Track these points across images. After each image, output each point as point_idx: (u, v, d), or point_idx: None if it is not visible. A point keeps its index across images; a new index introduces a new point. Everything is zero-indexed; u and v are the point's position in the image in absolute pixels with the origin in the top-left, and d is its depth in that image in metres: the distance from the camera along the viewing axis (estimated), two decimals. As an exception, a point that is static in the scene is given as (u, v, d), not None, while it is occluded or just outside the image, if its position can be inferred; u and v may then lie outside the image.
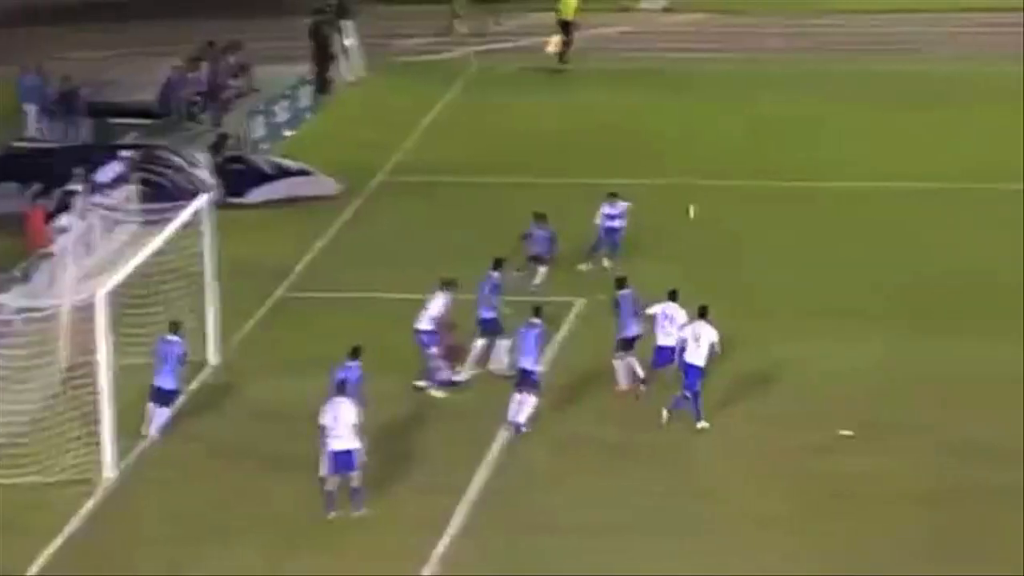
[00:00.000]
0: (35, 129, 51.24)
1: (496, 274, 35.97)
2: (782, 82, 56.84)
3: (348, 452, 30.03)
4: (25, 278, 37.32)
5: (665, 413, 33.24)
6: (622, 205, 41.97)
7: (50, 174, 45.04)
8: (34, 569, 28.91)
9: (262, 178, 47.23)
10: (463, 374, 35.27)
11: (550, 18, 64.31)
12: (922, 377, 35.08)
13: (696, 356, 33.09)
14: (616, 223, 41.91)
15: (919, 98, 54.14)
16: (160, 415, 33.59)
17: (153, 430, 33.45)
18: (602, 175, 47.22)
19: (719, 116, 53.46)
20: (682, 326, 33.95)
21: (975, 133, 50.85)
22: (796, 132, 51.10)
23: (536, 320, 33.59)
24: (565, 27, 60.15)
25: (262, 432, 33.58)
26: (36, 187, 45.10)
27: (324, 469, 30.19)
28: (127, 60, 56.69)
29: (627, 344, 34.85)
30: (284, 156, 49.48)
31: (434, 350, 34.86)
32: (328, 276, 41.22)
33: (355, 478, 30.14)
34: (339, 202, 46.45)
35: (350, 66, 58.79)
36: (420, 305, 35.13)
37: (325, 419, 30.11)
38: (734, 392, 34.49)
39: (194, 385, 35.42)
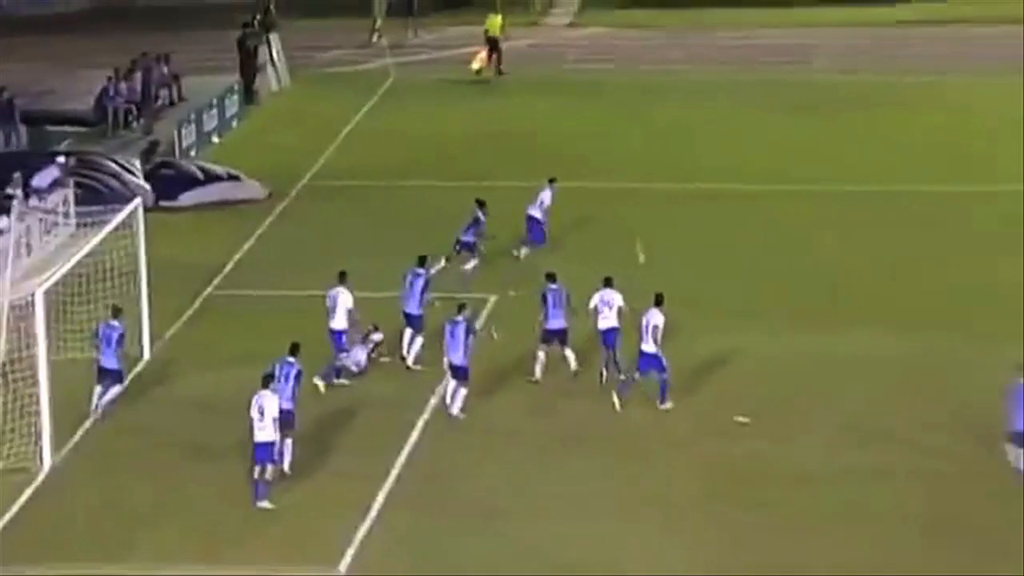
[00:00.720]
0: (-27, 137, 50.99)
1: (423, 270, 35.79)
2: (679, 91, 57.06)
3: (267, 444, 29.88)
4: (-35, 278, 37.13)
5: (663, 405, 33.40)
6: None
7: (-11, 179, 44.77)
8: (-25, 553, 28.85)
9: (192, 182, 47.10)
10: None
11: (465, 31, 64.65)
12: (813, 367, 35.23)
13: (647, 344, 33.22)
14: (538, 213, 42.18)
15: (807, 105, 54.40)
16: (110, 392, 33.64)
17: (100, 405, 33.49)
18: (514, 178, 47.43)
19: (624, 122, 53.62)
20: (619, 308, 34.39)
21: (857, 138, 51.20)
22: (695, 137, 51.25)
23: (459, 317, 33.43)
24: (492, 43, 60.09)
25: (192, 422, 33.46)
26: (-25, 192, 44.81)
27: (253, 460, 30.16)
28: (63, 71, 56.35)
29: (551, 335, 34.75)
30: (213, 162, 49.33)
31: (344, 354, 34.77)
32: (255, 275, 41.12)
33: (268, 471, 29.92)
34: (265, 205, 46.41)
35: (275, 76, 58.70)
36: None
37: (253, 411, 29.97)
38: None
39: (128, 378, 35.25)
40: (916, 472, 31.04)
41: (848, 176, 47.55)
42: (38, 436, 31.60)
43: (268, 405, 29.94)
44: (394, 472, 31.14)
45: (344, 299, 34.84)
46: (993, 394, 31.44)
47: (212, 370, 35.28)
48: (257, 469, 29.96)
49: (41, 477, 31.26)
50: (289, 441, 30.96)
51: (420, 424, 32.96)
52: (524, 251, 41.59)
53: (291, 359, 31.46)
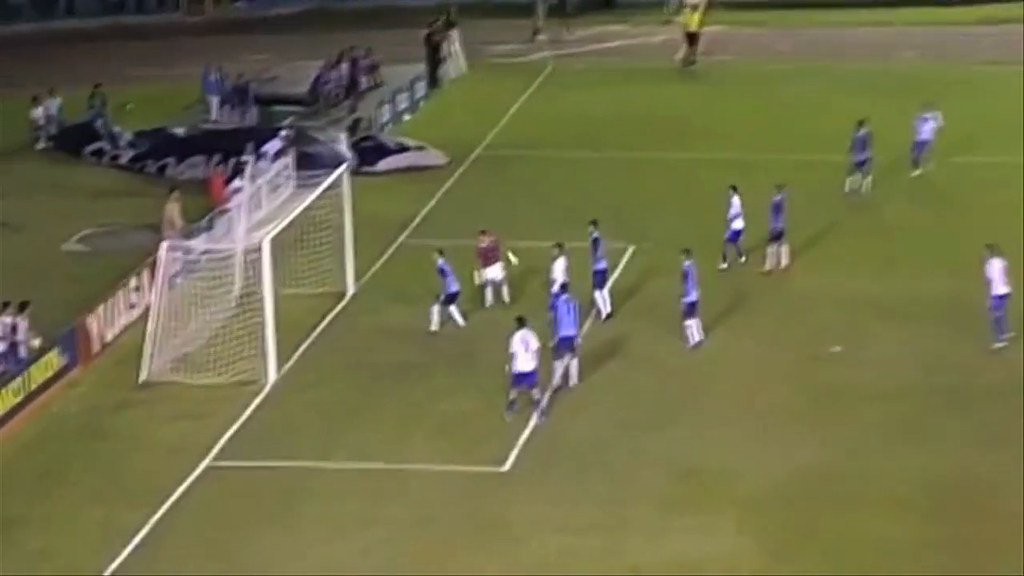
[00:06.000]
0: (216, 114, 51.54)
1: (595, 231, 34.46)
2: (785, 77, 56.26)
3: (530, 373, 29.41)
4: (208, 228, 37.57)
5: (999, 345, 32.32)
6: (933, 116, 42.94)
7: (228, 148, 45.27)
8: (216, 448, 29.19)
9: (387, 152, 47.23)
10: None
11: (609, 30, 64.32)
12: (886, 305, 34.75)
13: (999, 287, 32.00)
14: (926, 134, 42.54)
15: (887, 89, 53.15)
16: (452, 311, 33.85)
17: (433, 321, 33.69)
18: (643, 149, 47.21)
19: (740, 103, 53.01)
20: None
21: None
22: (798, 115, 50.37)
23: (567, 295, 31.81)
24: (691, 37, 59.14)
25: (385, 346, 33.59)
26: (217, 158, 45.33)
27: (511, 383, 29.58)
28: (285, 61, 56.81)
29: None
30: (404, 135, 49.47)
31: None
32: (438, 227, 41.08)
33: (535, 392, 29.65)
34: (446, 170, 46.41)
35: (455, 66, 58.74)
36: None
37: (516, 346, 29.32)
38: (739, 316, 34.26)
39: (336, 310, 35.45)
40: (960, 389, 30.73)
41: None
42: (265, 355, 31.94)
43: (532, 341, 29.37)
44: (551, 388, 30.84)
45: (559, 264, 33.56)
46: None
47: (403, 304, 35.36)
48: (514, 391, 29.52)
49: (267, 388, 31.60)
50: (576, 360, 30.86)
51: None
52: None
53: (567, 296, 31.03)
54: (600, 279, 34.30)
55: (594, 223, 34.79)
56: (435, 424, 29.83)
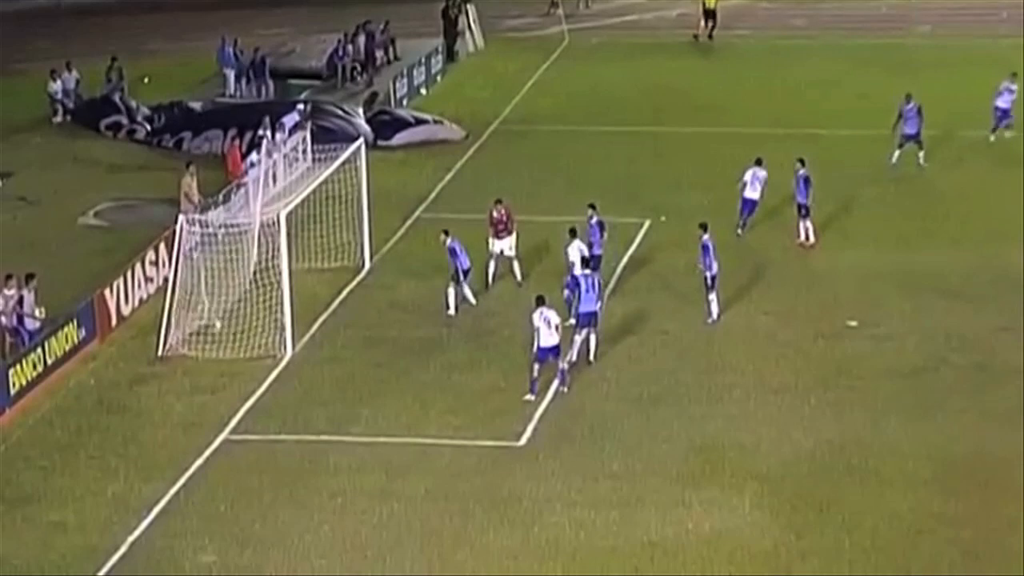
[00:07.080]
0: (233, 88, 51.49)
1: (594, 214, 34.00)
2: (801, 52, 56.06)
3: (555, 347, 29.37)
4: (225, 201, 37.55)
5: None
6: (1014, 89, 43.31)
7: (244, 122, 45.21)
8: (232, 422, 29.20)
9: (404, 126, 47.12)
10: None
11: (626, 3, 63.89)
12: (901, 279, 34.67)
13: None
14: (1005, 103, 42.99)
15: (902, 64, 52.89)
16: (464, 288, 33.56)
17: (450, 303, 33.33)
18: (659, 124, 47.01)
19: (752, 76, 52.86)
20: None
21: (937, 92, 49.14)
22: (813, 91, 50.26)
23: (587, 271, 31.67)
24: (709, 14, 59.04)
25: (402, 320, 33.56)
26: (234, 132, 45.27)
27: (535, 359, 29.45)
28: (302, 36, 56.72)
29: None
30: (420, 109, 49.35)
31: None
32: (454, 201, 41.03)
33: (559, 363, 29.65)
34: (463, 145, 46.30)
35: (472, 40, 58.57)
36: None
37: (539, 323, 29.18)
38: (756, 291, 34.18)
39: (352, 285, 35.42)
40: (976, 366, 30.61)
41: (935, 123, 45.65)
42: (282, 329, 31.92)
43: (552, 317, 29.27)
44: (566, 361, 30.85)
45: (574, 247, 33.09)
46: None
47: (420, 279, 35.29)
48: (537, 367, 29.39)
49: (284, 362, 31.58)
50: (593, 335, 30.86)
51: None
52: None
53: (587, 271, 30.98)
54: (595, 264, 33.57)
55: (593, 207, 34.19)
56: (451, 399, 29.79)
